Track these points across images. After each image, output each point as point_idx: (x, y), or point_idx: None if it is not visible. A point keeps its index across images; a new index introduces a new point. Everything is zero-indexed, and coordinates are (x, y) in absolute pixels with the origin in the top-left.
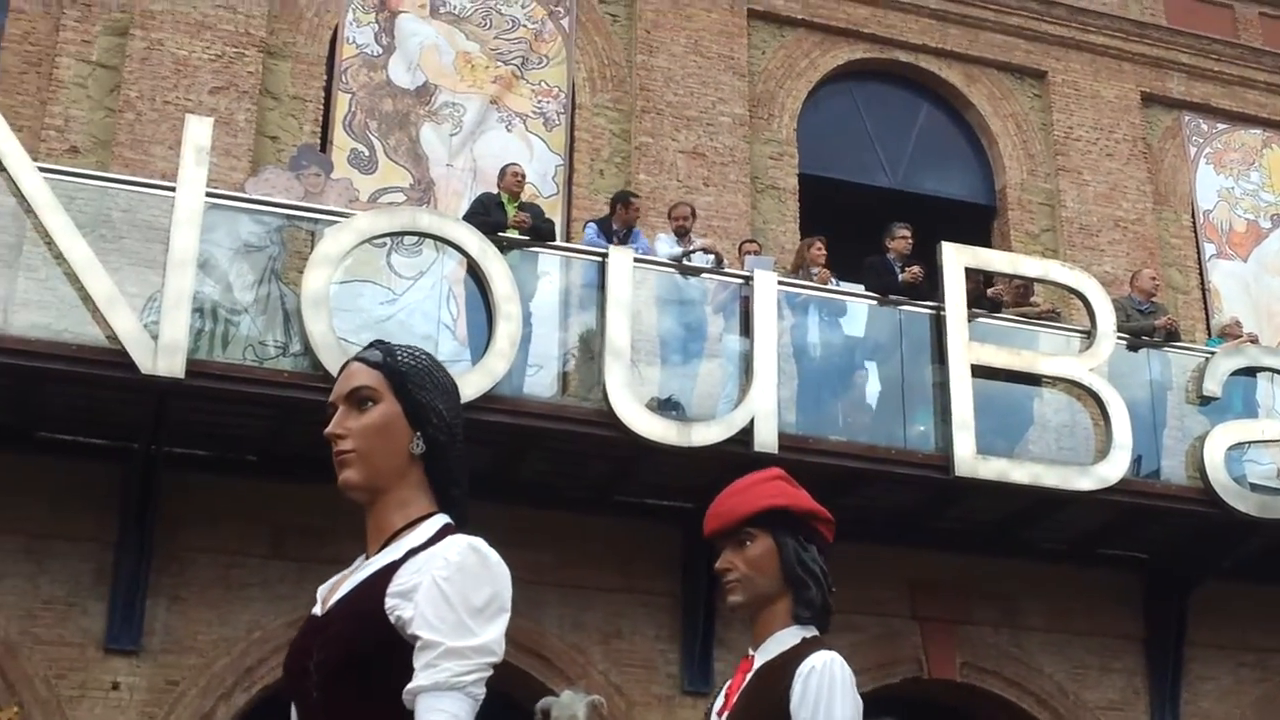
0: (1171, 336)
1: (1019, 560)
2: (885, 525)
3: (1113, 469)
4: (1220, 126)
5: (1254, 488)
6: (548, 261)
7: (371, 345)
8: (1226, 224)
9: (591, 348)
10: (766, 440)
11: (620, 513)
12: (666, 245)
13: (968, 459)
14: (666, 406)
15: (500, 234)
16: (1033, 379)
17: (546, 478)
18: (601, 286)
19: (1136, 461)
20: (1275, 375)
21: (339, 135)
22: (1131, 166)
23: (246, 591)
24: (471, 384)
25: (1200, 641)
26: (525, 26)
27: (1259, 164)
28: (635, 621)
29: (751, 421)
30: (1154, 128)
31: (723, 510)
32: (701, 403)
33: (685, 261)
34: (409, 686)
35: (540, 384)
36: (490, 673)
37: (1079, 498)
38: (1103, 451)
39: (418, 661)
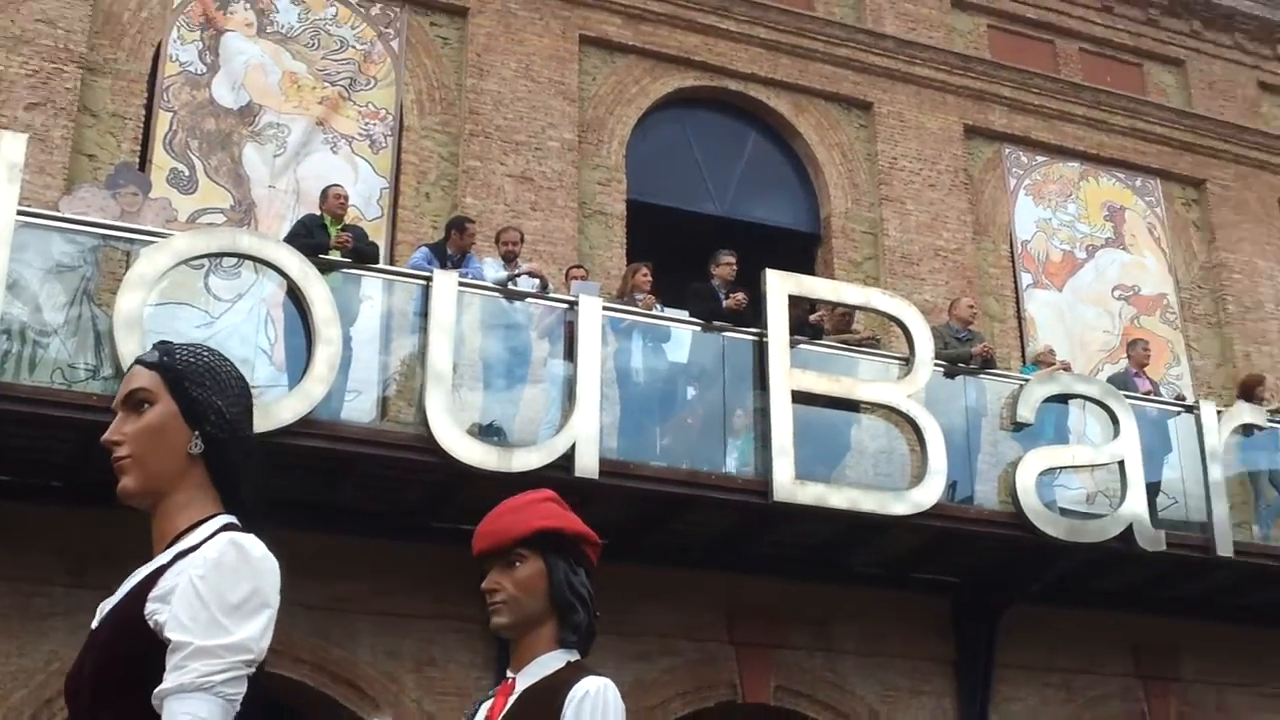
0: (987, 364)
1: (835, 584)
2: (704, 550)
3: (927, 494)
4: (1039, 159)
5: (1064, 512)
6: (370, 285)
7: (154, 346)
8: (1043, 254)
9: (413, 372)
10: (587, 465)
11: (438, 540)
12: (493, 269)
13: (786, 484)
14: (488, 432)
15: (322, 256)
16: (852, 405)
17: (364, 504)
18: (425, 311)
19: (951, 487)
20: (1087, 402)
21: (159, 154)
22: (953, 197)
23: (48, 621)
24: (288, 408)
25: (1008, 663)
26: (354, 48)
27: (1076, 196)
28: (449, 649)
29: (573, 447)
30: (975, 159)
31: (494, 530)
32: (524, 428)
33: (511, 286)
34: (156, 690)
35: (359, 409)
36: (249, 671)
37: (894, 522)
38: (918, 477)
39: (168, 663)
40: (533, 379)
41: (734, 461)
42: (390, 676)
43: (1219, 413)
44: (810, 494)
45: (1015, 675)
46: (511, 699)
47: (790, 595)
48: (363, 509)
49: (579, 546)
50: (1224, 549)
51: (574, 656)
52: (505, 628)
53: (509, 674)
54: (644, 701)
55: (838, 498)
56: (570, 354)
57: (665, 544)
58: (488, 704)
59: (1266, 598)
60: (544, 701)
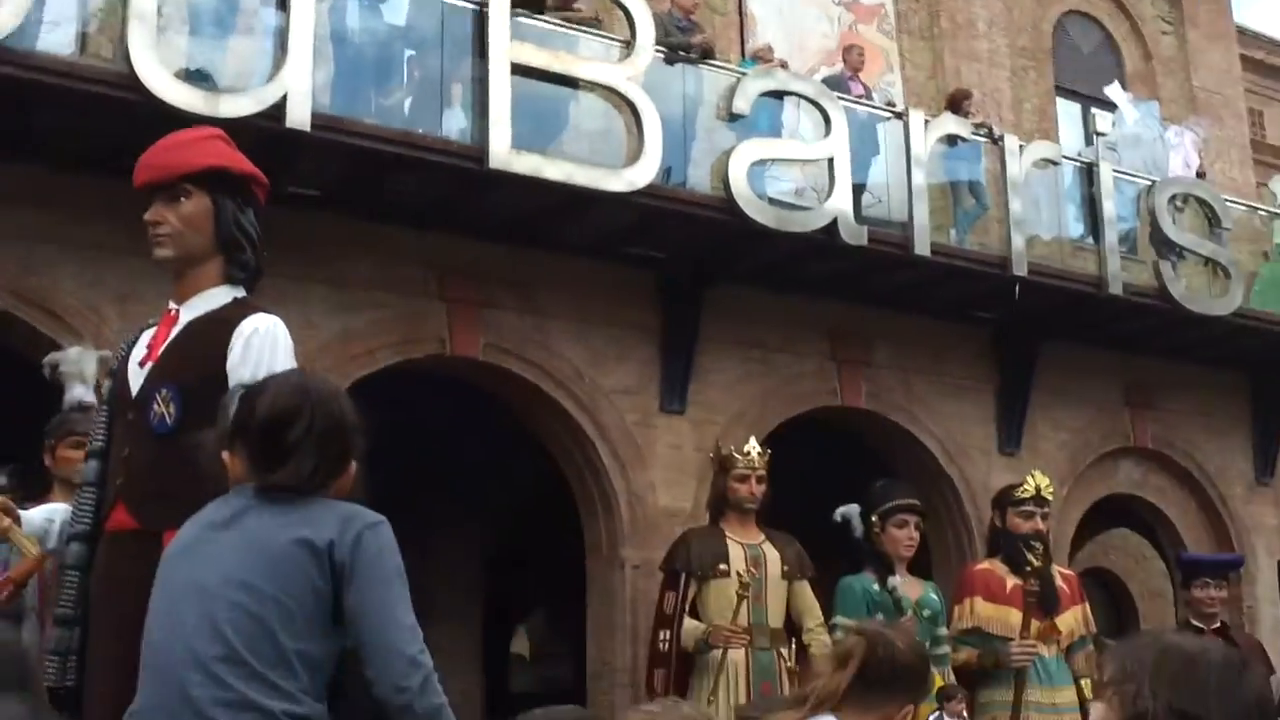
0: (707, 55)
1: (547, 253)
2: (418, 211)
3: (642, 173)
4: None
5: (772, 202)
6: None
7: None
8: None
9: (116, 11)
10: (299, 117)
11: None
12: None
13: (502, 152)
14: (196, 77)
15: None
16: (571, 82)
17: (63, 139)
18: None
19: (666, 170)
20: (801, 101)
21: None
22: None
23: None
24: None
25: (713, 337)
26: None
27: None
28: (151, 285)
29: (284, 97)
30: None
31: (159, 163)
32: (234, 78)
33: None
34: None
35: (57, 42)
36: None
37: (608, 198)
38: (634, 157)
39: None
40: (244, 29)
41: (451, 127)
42: (92, 308)
43: (926, 121)
44: (526, 164)
45: (718, 349)
46: (176, 329)
47: (502, 260)
48: (64, 143)
49: (247, 186)
50: (921, 248)
51: (240, 293)
52: (169, 260)
53: (172, 306)
54: (350, 350)
55: (553, 170)
56: (284, 5)
57: (378, 202)
58: (149, 333)
59: (955, 293)
60: (211, 335)
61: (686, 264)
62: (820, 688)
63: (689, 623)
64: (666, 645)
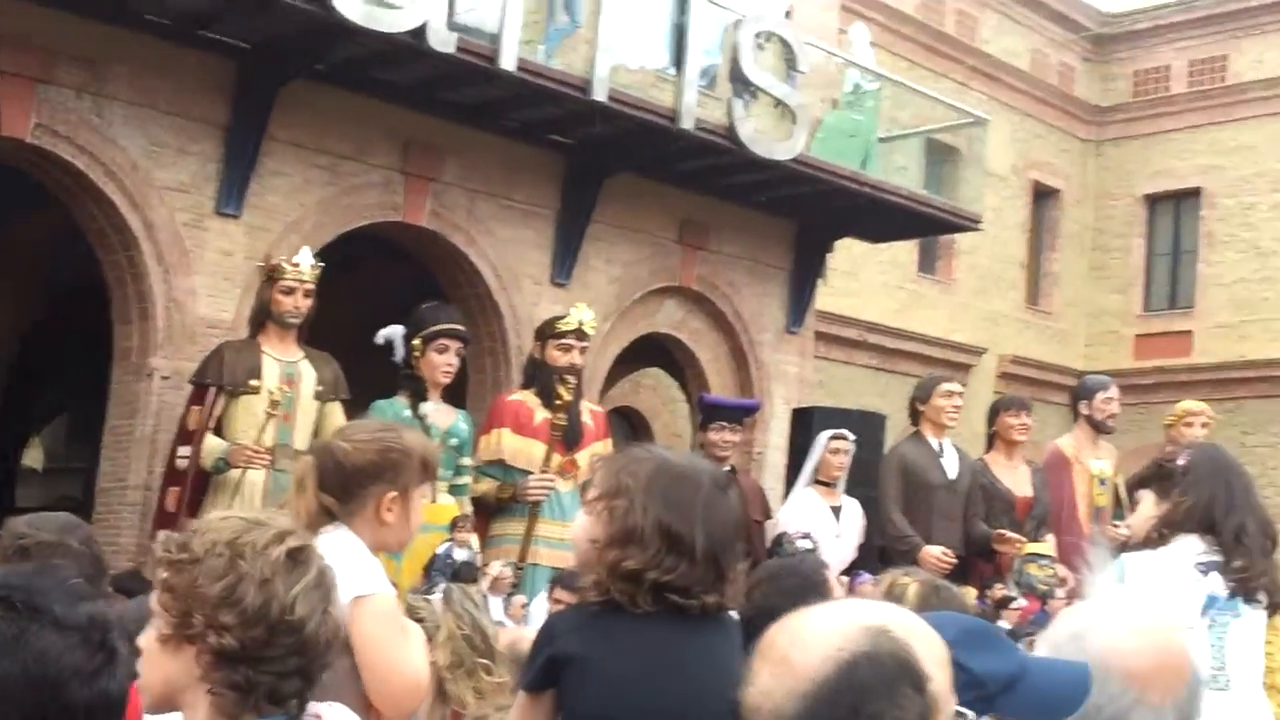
0: None
1: (119, 28)
2: None
3: None
4: None
5: None
6: None
7: None
8: None
9: None
10: None
11: None
12: None
13: None
14: None
15: None
16: None
17: None
18: None
19: None
20: None
21: None
22: None
23: None
24: None
25: (280, 138)
26: None
27: None
28: None
29: None
30: None
31: None
32: None
33: None
34: None
35: None
36: None
37: None
38: None
39: None
40: None
41: None
42: None
43: None
44: None
45: (284, 151)
46: None
47: (66, 30)
48: None
49: None
50: (508, 63)
51: None
52: None
53: None
54: None
55: None
56: None
57: None
58: None
59: (535, 115)
60: None
61: (267, 55)
62: (293, 510)
63: (210, 440)
64: (185, 462)
